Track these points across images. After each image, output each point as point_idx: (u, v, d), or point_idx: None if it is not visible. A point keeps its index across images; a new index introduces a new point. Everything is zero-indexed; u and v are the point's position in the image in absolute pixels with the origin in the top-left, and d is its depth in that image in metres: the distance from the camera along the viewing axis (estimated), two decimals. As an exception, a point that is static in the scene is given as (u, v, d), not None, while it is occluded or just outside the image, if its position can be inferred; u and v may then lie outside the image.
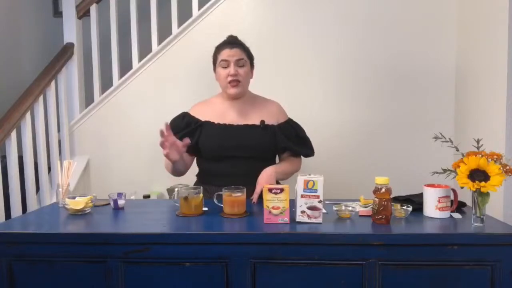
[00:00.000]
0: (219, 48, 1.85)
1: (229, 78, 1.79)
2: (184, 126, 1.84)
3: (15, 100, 2.37)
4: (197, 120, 1.85)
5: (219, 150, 1.79)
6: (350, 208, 1.48)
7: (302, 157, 1.94)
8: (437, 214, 1.43)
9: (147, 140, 2.61)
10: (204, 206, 1.56)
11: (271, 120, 1.85)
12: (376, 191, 1.37)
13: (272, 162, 1.89)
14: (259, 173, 1.74)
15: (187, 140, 1.63)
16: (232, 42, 1.85)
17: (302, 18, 2.54)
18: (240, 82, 1.80)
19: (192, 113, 1.88)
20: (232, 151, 1.78)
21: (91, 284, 1.33)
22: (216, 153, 1.80)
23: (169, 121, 1.91)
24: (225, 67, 1.80)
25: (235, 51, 1.80)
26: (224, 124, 1.82)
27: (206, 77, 2.53)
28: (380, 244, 1.28)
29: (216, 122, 1.83)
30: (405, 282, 1.28)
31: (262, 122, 1.82)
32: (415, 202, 1.51)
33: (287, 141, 1.84)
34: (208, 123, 1.83)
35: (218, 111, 1.86)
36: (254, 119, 1.84)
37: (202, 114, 1.86)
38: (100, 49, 2.77)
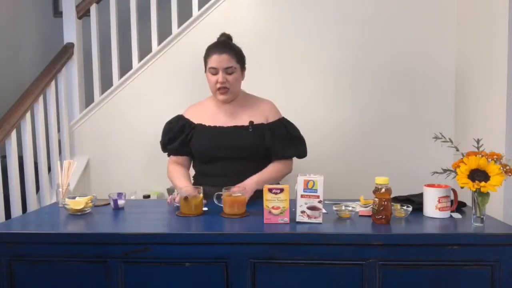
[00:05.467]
0: (208, 52, 1.82)
1: (218, 85, 1.78)
2: (178, 129, 1.86)
3: (15, 100, 2.37)
4: (191, 123, 1.86)
5: (210, 152, 1.80)
6: (350, 208, 1.48)
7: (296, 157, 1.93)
8: (437, 214, 1.43)
9: (147, 140, 2.61)
10: (204, 206, 1.56)
11: (260, 119, 1.84)
12: (376, 191, 1.37)
13: (264, 162, 1.87)
14: (250, 173, 1.74)
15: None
16: (221, 46, 1.82)
17: (302, 18, 2.53)
18: (228, 89, 1.80)
19: (186, 116, 1.90)
20: (223, 152, 1.78)
21: (91, 284, 1.33)
22: (207, 155, 1.81)
23: (164, 123, 1.92)
24: (214, 74, 1.80)
25: (223, 57, 1.77)
26: (215, 126, 1.83)
27: (206, 77, 2.53)
28: (380, 244, 1.28)
29: (207, 124, 1.84)
30: (405, 282, 1.28)
31: (251, 122, 1.82)
32: (415, 202, 1.51)
33: (274, 141, 1.81)
34: (200, 126, 1.85)
35: (210, 113, 1.87)
36: (244, 120, 1.83)
37: (195, 117, 1.87)
38: (100, 49, 2.76)
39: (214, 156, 1.80)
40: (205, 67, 1.85)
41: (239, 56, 1.84)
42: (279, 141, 1.83)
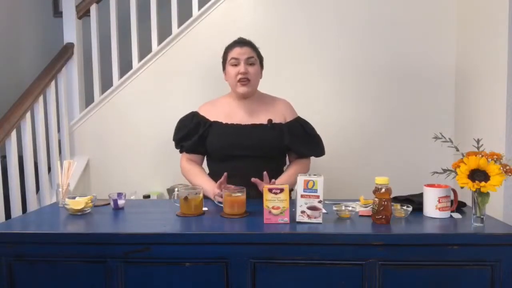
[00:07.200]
0: (229, 47, 1.85)
1: (239, 76, 1.79)
2: (193, 126, 1.85)
3: (15, 100, 2.37)
4: (206, 120, 1.85)
5: (227, 150, 1.79)
6: (350, 208, 1.48)
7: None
8: (437, 214, 1.43)
9: (147, 140, 2.61)
10: (204, 206, 1.56)
11: (278, 119, 1.85)
12: (376, 191, 1.37)
13: (281, 161, 1.89)
14: (267, 172, 1.73)
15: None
16: (243, 41, 1.86)
17: (302, 18, 2.53)
18: (249, 81, 1.80)
19: (201, 113, 1.89)
20: (240, 151, 1.77)
21: (91, 284, 1.33)
22: (224, 153, 1.80)
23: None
24: (235, 65, 1.80)
25: (245, 50, 1.81)
26: (232, 124, 1.82)
27: (206, 77, 2.53)
28: (380, 244, 1.28)
29: (224, 122, 1.83)
30: (405, 282, 1.28)
31: (270, 121, 1.82)
32: (415, 202, 1.51)
33: (293, 140, 1.82)
34: (216, 123, 1.83)
35: (226, 111, 1.86)
36: (261, 118, 1.83)
37: (210, 114, 1.86)
38: (100, 49, 2.76)
39: (231, 155, 1.78)
40: (224, 64, 1.86)
41: (259, 53, 1.88)
42: (298, 140, 1.84)
